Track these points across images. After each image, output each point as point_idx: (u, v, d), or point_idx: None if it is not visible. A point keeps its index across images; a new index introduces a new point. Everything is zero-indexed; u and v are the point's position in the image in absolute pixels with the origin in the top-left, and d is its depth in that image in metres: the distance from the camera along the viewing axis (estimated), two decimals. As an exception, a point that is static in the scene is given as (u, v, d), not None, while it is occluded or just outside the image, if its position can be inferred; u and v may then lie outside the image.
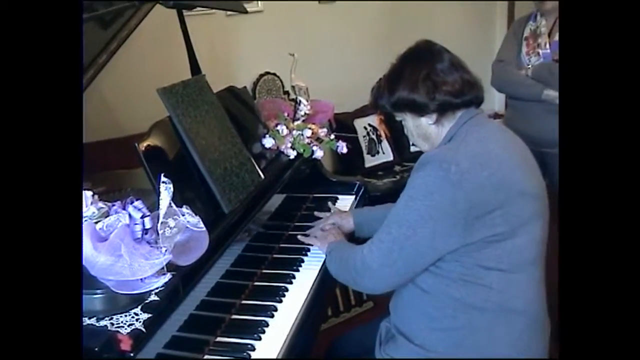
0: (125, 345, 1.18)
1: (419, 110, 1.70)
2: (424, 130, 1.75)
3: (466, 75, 1.71)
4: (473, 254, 1.57)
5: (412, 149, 3.92)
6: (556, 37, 2.77)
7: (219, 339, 1.59)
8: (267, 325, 1.64)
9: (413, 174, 1.63)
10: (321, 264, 1.98)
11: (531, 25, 2.90)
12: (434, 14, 4.22)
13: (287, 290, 1.82)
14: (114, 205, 1.29)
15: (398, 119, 1.81)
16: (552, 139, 2.69)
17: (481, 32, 4.60)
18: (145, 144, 1.60)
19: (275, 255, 2.03)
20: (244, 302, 1.76)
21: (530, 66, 2.84)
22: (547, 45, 2.78)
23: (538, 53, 2.81)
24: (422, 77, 1.68)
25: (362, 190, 2.54)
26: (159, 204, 1.31)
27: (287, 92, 3.38)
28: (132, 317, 1.23)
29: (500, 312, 1.61)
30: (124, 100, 2.68)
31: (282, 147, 2.24)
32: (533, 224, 1.63)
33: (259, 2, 3.34)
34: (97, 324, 1.21)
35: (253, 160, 1.98)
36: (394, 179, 3.65)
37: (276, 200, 2.18)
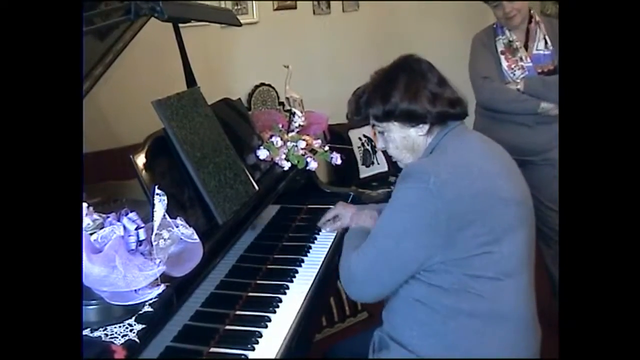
0: (119, 355, 1.18)
1: (415, 120, 1.72)
2: (411, 141, 1.76)
3: (453, 89, 1.76)
4: (461, 264, 1.60)
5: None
6: (534, 50, 2.83)
7: (212, 349, 1.60)
8: (261, 336, 1.65)
9: (396, 186, 1.66)
10: (315, 274, 2.00)
11: (503, 39, 2.90)
12: (427, 26, 4.26)
13: (281, 301, 1.83)
14: (108, 216, 1.30)
15: (378, 129, 1.81)
16: (536, 148, 2.74)
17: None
18: (140, 155, 1.62)
19: (269, 266, 2.04)
20: (237, 312, 1.77)
21: (518, 80, 2.84)
22: (529, 59, 2.82)
23: (522, 67, 2.83)
24: (422, 87, 1.71)
25: (356, 202, 2.54)
26: (153, 216, 1.32)
27: (282, 103, 3.41)
28: (126, 327, 1.24)
29: (489, 318, 1.63)
30: (120, 111, 2.69)
31: (277, 159, 2.26)
32: (518, 230, 1.66)
33: (254, 13, 3.35)
34: (91, 335, 1.23)
35: (247, 172, 2.00)
36: (388, 190, 3.66)
37: (270, 211, 2.19)
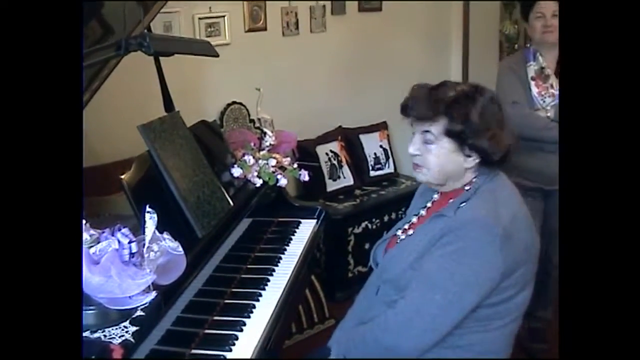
0: (117, 354, 1.35)
1: (475, 152, 1.69)
2: (453, 167, 1.73)
3: (511, 135, 1.74)
4: (486, 308, 1.67)
5: (372, 173, 4.11)
6: None
7: (193, 351, 1.74)
8: (237, 339, 1.79)
9: (454, 232, 1.64)
10: (285, 282, 2.14)
11: (534, 65, 2.86)
12: (392, 46, 4.40)
13: (254, 307, 1.96)
14: (103, 232, 1.47)
15: (427, 137, 1.71)
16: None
17: (437, 58, 4.82)
18: (128, 176, 1.78)
19: (243, 275, 2.17)
20: (215, 318, 1.90)
21: (548, 107, 2.79)
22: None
23: (552, 94, 2.80)
24: (495, 124, 1.70)
25: (323, 215, 2.70)
26: (143, 230, 1.49)
27: (252, 121, 3.54)
28: (122, 329, 1.40)
29: (481, 354, 1.73)
30: (99, 130, 2.79)
31: (249, 176, 2.41)
32: (533, 278, 1.76)
33: (226, 35, 3.50)
34: (91, 336, 1.38)
35: (223, 189, 2.16)
36: (354, 203, 3.81)
37: (243, 224, 2.36)
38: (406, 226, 1.92)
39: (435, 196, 1.91)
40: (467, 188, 1.76)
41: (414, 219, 1.92)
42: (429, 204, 1.92)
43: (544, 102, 2.82)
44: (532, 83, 2.85)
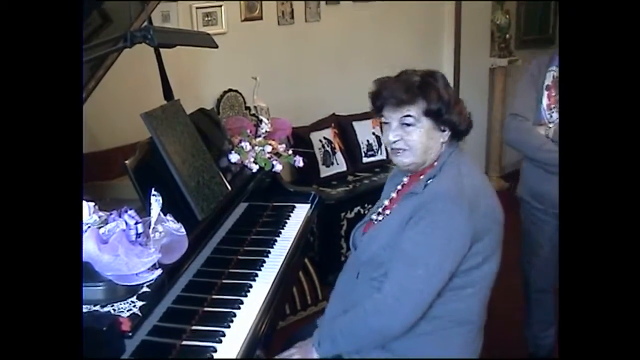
0: (126, 326, 1.45)
1: (449, 127, 1.85)
2: (432, 143, 1.85)
3: None
4: (459, 276, 1.78)
5: (365, 160, 4.20)
6: None
7: (194, 327, 1.83)
8: (235, 316, 1.89)
9: (424, 208, 1.75)
10: (280, 264, 2.24)
11: (554, 72, 2.53)
12: (385, 37, 4.48)
13: (251, 286, 2.06)
14: (111, 214, 1.56)
15: (406, 120, 1.84)
16: None
17: (429, 47, 4.90)
18: (132, 162, 1.87)
19: (239, 257, 2.27)
20: (214, 296, 2.00)
21: (550, 124, 2.51)
22: None
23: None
24: (461, 101, 1.89)
25: (316, 200, 2.80)
26: (148, 213, 1.59)
27: (248, 108, 3.63)
28: (130, 304, 1.50)
29: (458, 322, 1.84)
30: (98, 116, 2.86)
31: (246, 162, 2.50)
32: (500, 248, 1.87)
33: (223, 24, 3.58)
34: (101, 310, 1.48)
35: (221, 174, 2.25)
36: (347, 188, 3.90)
37: (240, 208, 2.45)
38: (380, 209, 2.03)
39: (405, 179, 2.04)
40: (435, 164, 1.89)
41: (386, 202, 2.04)
42: (399, 187, 2.04)
43: (551, 117, 2.51)
44: (545, 93, 2.53)
